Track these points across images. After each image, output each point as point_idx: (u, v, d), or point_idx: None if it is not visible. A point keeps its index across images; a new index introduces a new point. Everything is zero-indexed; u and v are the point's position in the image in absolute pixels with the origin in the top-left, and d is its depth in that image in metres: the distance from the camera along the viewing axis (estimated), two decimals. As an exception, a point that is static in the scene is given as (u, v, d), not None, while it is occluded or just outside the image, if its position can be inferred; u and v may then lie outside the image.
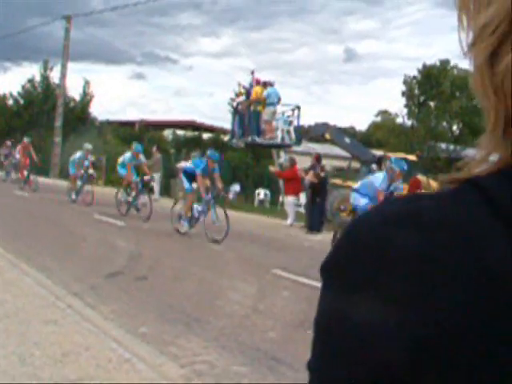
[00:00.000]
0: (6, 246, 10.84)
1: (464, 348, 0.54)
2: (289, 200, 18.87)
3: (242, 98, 21.26)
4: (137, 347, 5.71)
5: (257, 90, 20.54)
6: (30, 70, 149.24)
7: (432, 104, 46.01)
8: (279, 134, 20.88)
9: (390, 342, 0.57)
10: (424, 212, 0.58)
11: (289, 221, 18.56)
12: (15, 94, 52.44)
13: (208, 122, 42.04)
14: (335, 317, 0.62)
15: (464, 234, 0.56)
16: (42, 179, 36.73)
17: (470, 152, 36.72)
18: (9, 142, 31.49)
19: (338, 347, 0.61)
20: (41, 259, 10.00)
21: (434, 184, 21.74)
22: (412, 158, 21.79)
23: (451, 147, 37.22)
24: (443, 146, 37.20)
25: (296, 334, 6.64)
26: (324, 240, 15.51)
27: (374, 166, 18.16)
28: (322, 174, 17.79)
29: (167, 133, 39.52)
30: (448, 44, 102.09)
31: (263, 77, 21.25)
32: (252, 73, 21.18)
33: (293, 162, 19.03)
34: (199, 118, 39.75)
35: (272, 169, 21.08)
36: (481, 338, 0.54)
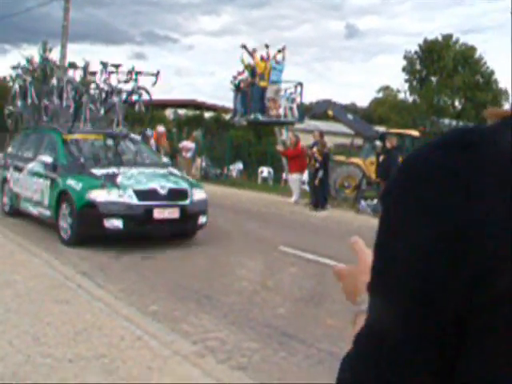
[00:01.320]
0: (15, 229, 10.89)
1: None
2: (293, 177, 18.86)
3: (244, 76, 21.15)
4: (148, 325, 5.76)
5: (260, 64, 20.40)
6: (30, 52, 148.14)
7: (434, 79, 45.83)
8: (282, 111, 20.81)
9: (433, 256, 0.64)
10: (458, 136, 0.68)
11: (294, 198, 18.58)
12: (15, 76, 52.28)
13: (209, 100, 41.95)
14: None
15: (484, 151, 0.64)
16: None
17: (472, 127, 36.63)
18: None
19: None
20: (48, 240, 10.04)
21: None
22: (415, 133, 21.73)
23: (454, 122, 37.16)
24: (446, 121, 37.13)
25: (305, 309, 6.69)
26: (329, 217, 15.55)
27: (377, 143, 18.12)
28: (325, 151, 17.74)
29: (168, 112, 39.40)
30: (450, 18, 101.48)
31: (265, 54, 20.98)
32: (244, 47, 20.88)
33: (297, 139, 19.00)
34: (200, 98, 39.65)
35: (279, 148, 20.98)
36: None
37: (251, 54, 20.70)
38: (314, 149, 17.56)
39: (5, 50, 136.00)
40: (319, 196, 17.33)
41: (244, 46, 20.82)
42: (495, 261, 0.60)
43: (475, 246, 0.61)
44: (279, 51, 20.78)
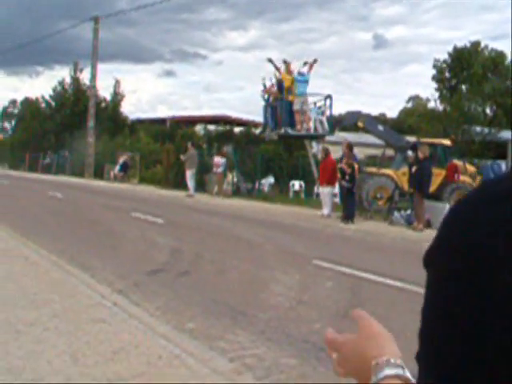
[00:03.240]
0: (49, 248, 10.98)
1: None
2: (325, 190, 18.79)
3: (273, 90, 21.17)
4: (185, 343, 5.74)
5: (287, 78, 20.42)
6: (62, 73, 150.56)
7: (464, 87, 45.40)
8: (312, 124, 20.78)
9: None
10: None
11: (325, 211, 18.50)
12: (47, 97, 53.13)
13: (239, 115, 41.97)
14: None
15: None
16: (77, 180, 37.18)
17: (505, 134, 36.18)
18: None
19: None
20: (84, 258, 10.10)
21: (471, 168, 21.47)
22: (447, 142, 21.52)
23: (486, 130, 36.69)
24: (478, 129, 36.69)
25: (342, 323, 6.60)
26: (360, 229, 15.46)
27: (409, 153, 17.98)
28: (351, 163, 17.61)
29: (198, 128, 39.63)
30: (478, 25, 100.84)
31: (294, 67, 21.04)
32: (270, 61, 20.98)
33: (327, 152, 18.94)
34: (230, 113, 39.70)
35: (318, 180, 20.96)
36: None
37: (277, 68, 20.75)
38: (343, 162, 17.52)
39: (37, 71, 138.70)
40: (348, 209, 17.26)
41: (270, 60, 20.89)
42: None
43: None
44: (305, 63, 20.78)
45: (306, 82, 20.72)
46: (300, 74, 20.65)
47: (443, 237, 0.67)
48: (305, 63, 20.86)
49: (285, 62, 20.85)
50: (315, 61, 21.11)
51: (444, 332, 0.63)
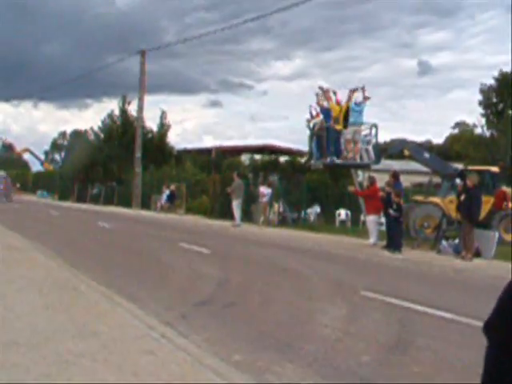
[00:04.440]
0: (98, 279, 11.11)
1: None
2: (370, 219, 18.66)
3: (319, 119, 21.13)
4: (233, 376, 5.71)
5: (335, 108, 20.32)
6: (110, 105, 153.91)
7: (511, 112, 44.76)
8: (358, 153, 20.69)
9: None
10: None
11: (372, 240, 18.34)
12: (96, 129, 54.24)
13: (284, 144, 42.00)
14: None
15: None
16: (125, 210, 37.62)
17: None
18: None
19: None
20: (131, 289, 10.20)
21: (520, 195, 21.08)
22: (495, 169, 21.19)
23: (535, 156, 36.03)
24: (527, 155, 36.04)
25: (390, 356, 6.52)
26: (407, 258, 15.27)
27: (458, 181, 17.75)
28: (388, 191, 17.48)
29: (244, 158, 39.85)
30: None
31: (340, 96, 20.95)
32: (321, 89, 20.91)
33: (372, 181, 18.86)
34: (275, 142, 39.70)
35: (351, 188, 20.94)
36: None
37: (327, 97, 20.72)
38: (387, 191, 17.44)
39: (86, 104, 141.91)
40: (395, 238, 17.04)
41: (321, 88, 20.86)
42: None
43: None
44: (353, 91, 20.61)
45: (361, 112, 20.54)
46: (356, 103, 20.46)
47: (501, 309, 0.67)
48: (353, 90, 20.66)
49: (334, 93, 20.81)
50: (362, 88, 20.93)
51: None
